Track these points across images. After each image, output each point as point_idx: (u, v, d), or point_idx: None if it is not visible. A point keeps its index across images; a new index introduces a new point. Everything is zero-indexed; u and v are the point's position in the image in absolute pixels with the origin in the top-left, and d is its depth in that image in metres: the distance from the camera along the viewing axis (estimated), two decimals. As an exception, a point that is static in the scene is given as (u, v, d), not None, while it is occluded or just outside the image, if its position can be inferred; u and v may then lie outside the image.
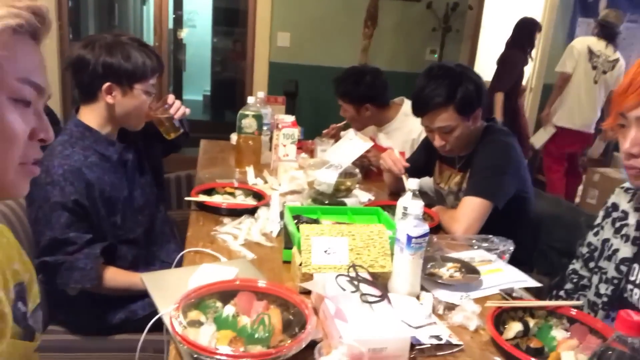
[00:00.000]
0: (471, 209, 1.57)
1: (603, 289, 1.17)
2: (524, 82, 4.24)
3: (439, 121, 1.63)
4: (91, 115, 1.42)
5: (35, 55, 0.65)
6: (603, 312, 1.16)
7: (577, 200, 3.90)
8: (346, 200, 1.64)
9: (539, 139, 4.05)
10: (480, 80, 1.67)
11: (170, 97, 1.64)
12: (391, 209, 1.67)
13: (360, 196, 1.82)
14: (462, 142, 1.69)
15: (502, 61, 3.88)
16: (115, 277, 1.36)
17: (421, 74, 1.70)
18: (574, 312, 1.08)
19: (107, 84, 1.37)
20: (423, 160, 1.94)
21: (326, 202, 1.62)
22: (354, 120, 2.37)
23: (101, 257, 1.32)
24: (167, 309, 0.94)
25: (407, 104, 2.37)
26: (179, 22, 6.06)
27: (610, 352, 0.70)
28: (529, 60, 4.01)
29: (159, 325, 0.98)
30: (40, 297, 0.82)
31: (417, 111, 1.69)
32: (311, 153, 2.39)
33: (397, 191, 1.98)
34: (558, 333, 1.03)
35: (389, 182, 2.00)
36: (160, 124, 1.61)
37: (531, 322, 1.06)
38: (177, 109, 1.62)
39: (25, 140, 0.64)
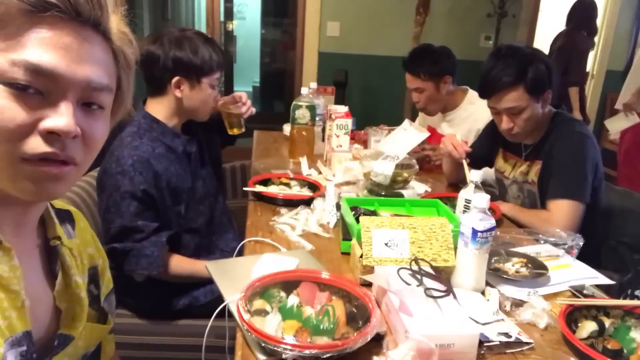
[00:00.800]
0: (567, 213, 1.54)
1: None
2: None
3: (508, 101, 1.57)
4: (159, 108, 1.46)
5: (47, 34, 0.54)
6: None
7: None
8: (403, 191, 1.61)
9: (616, 125, 3.65)
10: (550, 61, 1.61)
11: (244, 96, 1.70)
12: (449, 200, 1.64)
13: (417, 187, 1.79)
14: (531, 126, 1.63)
15: (570, 50, 3.63)
16: (180, 264, 1.40)
17: (489, 54, 1.66)
18: (654, 312, 1.01)
19: (176, 78, 1.41)
20: (486, 148, 1.88)
21: (382, 193, 1.60)
22: (431, 101, 2.26)
23: (167, 245, 1.36)
24: (232, 296, 0.96)
25: (471, 93, 2.30)
26: (229, 14, 6.13)
27: None
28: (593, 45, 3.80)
29: (221, 312, 0.99)
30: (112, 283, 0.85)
31: (485, 91, 1.63)
32: (364, 144, 2.37)
33: (456, 181, 1.94)
34: (637, 334, 0.97)
35: (447, 170, 1.94)
36: (228, 118, 1.69)
37: (607, 322, 1.01)
38: (248, 108, 1.70)
39: (19, 130, 0.54)
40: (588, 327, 0.99)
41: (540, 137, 1.68)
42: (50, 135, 0.55)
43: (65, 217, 0.74)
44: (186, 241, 1.47)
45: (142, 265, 1.32)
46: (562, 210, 1.54)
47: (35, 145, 0.55)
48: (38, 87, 0.55)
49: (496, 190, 1.95)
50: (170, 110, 1.46)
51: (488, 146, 1.88)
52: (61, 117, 0.55)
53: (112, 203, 1.34)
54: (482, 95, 1.66)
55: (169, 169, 1.43)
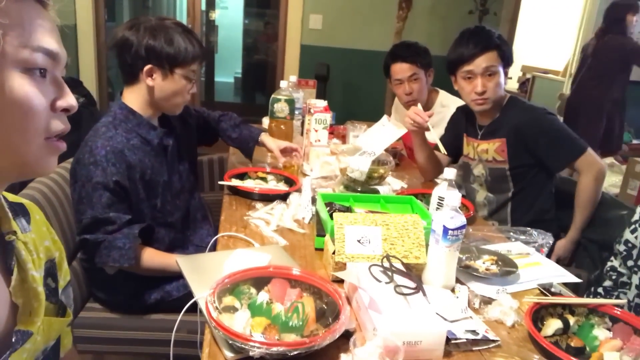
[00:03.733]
0: (592, 162, 1.71)
1: None
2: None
3: (486, 61, 1.71)
4: (132, 97, 1.44)
5: (44, 20, 0.60)
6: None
7: (617, 191, 3.76)
8: (379, 187, 1.62)
9: None
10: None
11: (299, 149, 1.92)
12: (425, 197, 1.65)
13: (393, 184, 1.80)
14: (495, 96, 1.75)
15: (633, 49, 3.61)
16: (152, 257, 1.39)
17: (460, 32, 1.82)
18: (618, 311, 1.04)
19: (148, 66, 1.38)
20: (453, 138, 1.99)
21: (359, 189, 1.60)
22: (421, 92, 2.29)
23: (139, 238, 1.34)
24: (202, 293, 0.95)
25: (442, 94, 2.35)
26: (211, 3, 6.05)
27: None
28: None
29: (194, 306, 0.99)
30: (71, 275, 0.83)
31: (464, 57, 1.73)
32: (343, 138, 2.37)
33: (432, 175, 1.97)
34: (600, 332, 0.99)
35: (421, 158, 1.97)
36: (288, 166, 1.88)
37: (571, 320, 1.03)
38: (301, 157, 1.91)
39: (45, 113, 0.59)
40: (553, 325, 1.01)
41: (494, 118, 1.81)
42: (62, 113, 0.62)
43: (20, 210, 0.72)
44: (161, 235, 1.45)
45: (114, 258, 1.30)
46: (588, 163, 1.70)
47: (57, 124, 0.61)
48: (49, 71, 0.60)
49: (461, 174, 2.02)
50: (144, 100, 1.44)
51: (454, 136, 1.99)
52: (69, 95, 0.62)
53: (84, 194, 1.31)
54: (459, 62, 1.75)
55: (144, 161, 1.40)
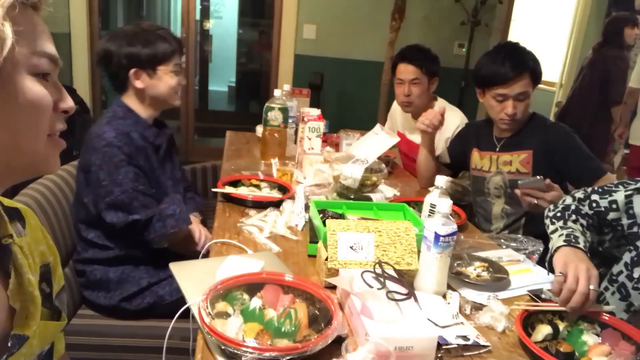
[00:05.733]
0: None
1: (637, 273, 1.15)
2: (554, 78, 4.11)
3: (520, 87, 1.72)
4: (129, 101, 1.52)
5: (42, 26, 0.63)
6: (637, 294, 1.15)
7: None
8: (372, 195, 1.63)
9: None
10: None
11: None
12: (417, 205, 1.66)
13: (386, 191, 1.81)
14: (524, 117, 1.78)
15: (615, 68, 3.62)
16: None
17: (492, 50, 1.84)
18: (606, 317, 1.05)
19: (133, 70, 1.47)
20: (459, 151, 2.02)
21: (352, 196, 1.61)
22: (420, 97, 2.29)
23: (182, 201, 1.42)
24: (195, 299, 0.95)
25: (440, 101, 2.35)
26: (205, 13, 6.09)
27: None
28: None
29: (186, 313, 0.99)
30: (65, 281, 0.84)
31: (497, 79, 1.73)
32: (336, 147, 2.38)
33: (430, 183, 1.98)
34: (589, 338, 1.00)
35: (423, 166, 1.99)
36: None
37: (561, 326, 1.04)
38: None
39: (50, 113, 0.63)
40: (543, 330, 1.02)
41: (516, 131, 1.82)
42: (61, 114, 0.66)
43: (15, 215, 0.72)
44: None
45: (171, 225, 1.38)
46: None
47: (60, 122, 0.66)
48: (51, 74, 0.64)
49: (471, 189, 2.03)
50: (140, 103, 1.52)
51: (461, 150, 2.00)
52: (69, 98, 0.66)
53: (107, 175, 1.35)
54: (493, 83, 1.75)
55: (144, 152, 1.48)
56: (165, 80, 1.51)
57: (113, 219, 1.37)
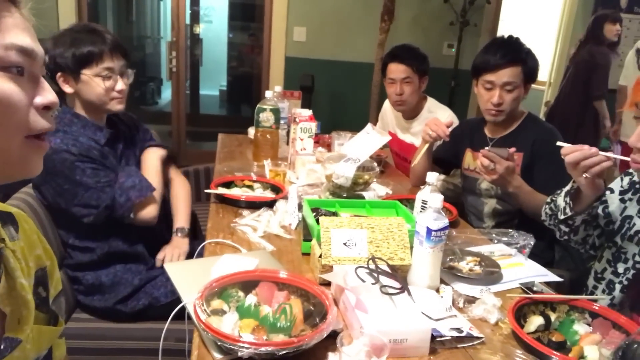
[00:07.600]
0: None
1: (622, 268, 1.17)
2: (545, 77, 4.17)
3: (507, 76, 1.72)
4: (73, 106, 1.45)
5: (15, 18, 0.59)
6: (620, 294, 1.19)
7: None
8: (364, 193, 1.64)
9: None
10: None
11: None
12: (409, 202, 1.68)
13: (378, 190, 1.83)
14: (512, 110, 1.77)
15: (595, 63, 3.67)
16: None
17: (492, 39, 1.87)
18: (596, 306, 1.07)
19: (58, 74, 1.39)
20: (450, 151, 2.01)
21: (344, 195, 1.62)
22: (412, 96, 2.31)
23: (137, 170, 1.39)
24: (190, 298, 0.96)
25: (430, 101, 2.38)
26: (195, 17, 6.09)
27: (635, 346, 0.70)
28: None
29: (181, 314, 0.99)
30: (62, 285, 0.83)
31: (487, 66, 1.74)
32: (328, 147, 2.39)
33: (422, 183, 1.99)
34: (580, 327, 1.02)
35: (419, 169, 1.98)
36: None
37: (552, 316, 1.06)
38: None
39: (25, 110, 0.59)
40: (535, 321, 1.03)
41: (508, 132, 1.81)
42: (44, 111, 0.61)
43: (8, 219, 0.71)
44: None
45: (135, 195, 1.34)
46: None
47: (38, 121, 0.60)
48: (27, 68, 0.59)
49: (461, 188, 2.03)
50: (81, 106, 1.44)
51: (453, 150, 2.00)
52: (48, 92, 0.61)
53: (64, 180, 1.31)
54: (481, 71, 1.77)
55: (97, 151, 1.42)
56: (92, 86, 1.39)
57: (84, 214, 1.35)
